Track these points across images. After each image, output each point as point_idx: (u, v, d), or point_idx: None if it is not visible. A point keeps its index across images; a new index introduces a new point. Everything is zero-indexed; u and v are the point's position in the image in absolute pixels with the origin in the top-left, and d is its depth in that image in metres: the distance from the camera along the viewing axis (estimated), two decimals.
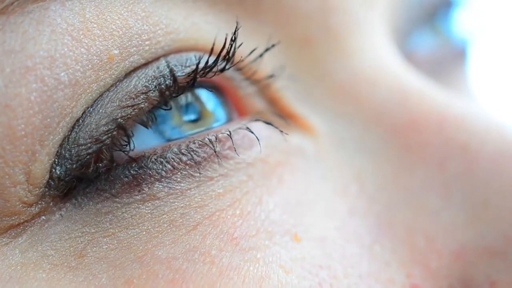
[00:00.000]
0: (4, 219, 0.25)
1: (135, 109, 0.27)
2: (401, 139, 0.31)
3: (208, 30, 0.29)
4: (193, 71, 0.28)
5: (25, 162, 0.25)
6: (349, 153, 0.31)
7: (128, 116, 0.27)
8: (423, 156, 0.31)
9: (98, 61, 0.26)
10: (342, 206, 0.30)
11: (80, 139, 0.26)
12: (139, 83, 0.27)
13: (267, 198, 0.28)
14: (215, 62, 0.28)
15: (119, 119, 0.26)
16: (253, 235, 0.27)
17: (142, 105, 0.27)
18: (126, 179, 0.27)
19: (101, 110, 0.26)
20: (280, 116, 0.32)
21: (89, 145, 0.26)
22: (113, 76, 0.26)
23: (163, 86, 0.27)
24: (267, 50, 0.30)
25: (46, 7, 0.25)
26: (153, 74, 0.27)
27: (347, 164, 0.31)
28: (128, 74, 0.27)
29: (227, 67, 0.29)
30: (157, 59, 0.28)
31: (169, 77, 0.27)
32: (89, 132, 0.26)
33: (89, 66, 0.26)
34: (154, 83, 0.27)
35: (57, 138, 0.25)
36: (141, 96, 0.27)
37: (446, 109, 0.32)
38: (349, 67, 0.32)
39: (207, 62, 0.28)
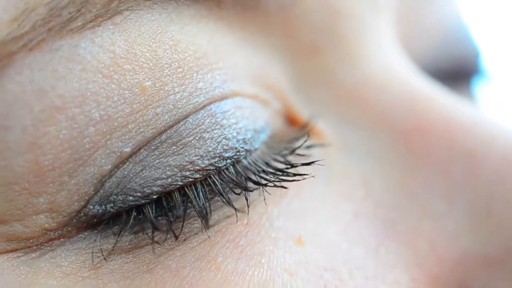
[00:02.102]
0: (22, 241, 0.26)
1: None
2: (408, 143, 0.31)
3: (229, 51, 0.29)
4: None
5: (50, 193, 0.25)
6: (357, 158, 0.32)
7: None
8: (429, 160, 0.31)
9: (130, 95, 0.25)
10: (348, 210, 0.30)
11: (131, 191, 0.26)
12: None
13: (271, 208, 0.29)
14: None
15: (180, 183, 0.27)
16: (258, 241, 0.27)
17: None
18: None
19: (158, 170, 0.26)
20: (288, 122, 0.32)
21: (136, 200, 0.26)
22: (149, 107, 0.26)
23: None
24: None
25: (75, 44, 0.24)
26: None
27: (354, 168, 0.31)
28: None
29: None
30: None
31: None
32: (140, 188, 0.26)
33: (121, 101, 0.25)
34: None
35: (87, 169, 0.25)
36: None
37: (453, 115, 0.32)
38: (357, 73, 0.32)
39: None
